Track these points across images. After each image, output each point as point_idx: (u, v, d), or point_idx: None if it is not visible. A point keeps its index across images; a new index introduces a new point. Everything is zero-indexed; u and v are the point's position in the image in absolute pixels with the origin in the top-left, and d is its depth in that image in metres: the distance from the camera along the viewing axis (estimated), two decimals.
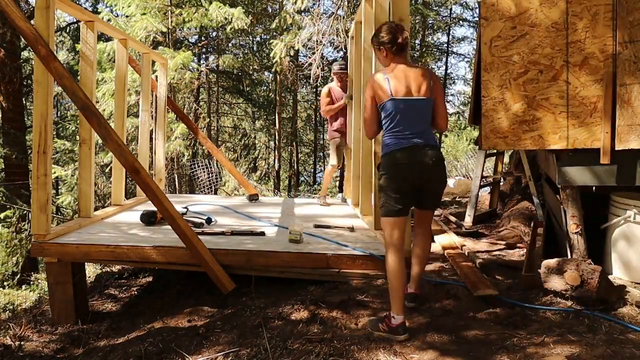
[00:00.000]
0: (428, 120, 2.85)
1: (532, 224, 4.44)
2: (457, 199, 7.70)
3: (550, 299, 2.96)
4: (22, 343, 3.56)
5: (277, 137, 16.02)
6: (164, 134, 6.75)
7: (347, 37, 7.99)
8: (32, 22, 3.70)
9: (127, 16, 9.89)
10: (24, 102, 11.65)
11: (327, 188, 6.85)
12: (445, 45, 20.33)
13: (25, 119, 11.49)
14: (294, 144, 18.56)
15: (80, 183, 4.62)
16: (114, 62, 7.66)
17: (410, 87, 2.78)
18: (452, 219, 5.71)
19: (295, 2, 9.83)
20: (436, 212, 6.13)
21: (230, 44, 16.45)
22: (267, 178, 18.65)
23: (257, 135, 19.90)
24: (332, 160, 6.08)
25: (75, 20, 13.31)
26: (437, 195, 2.94)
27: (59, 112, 16.04)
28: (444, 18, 18.95)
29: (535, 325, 2.68)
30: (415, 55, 17.83)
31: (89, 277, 5.36)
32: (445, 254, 3.98)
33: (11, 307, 6.12)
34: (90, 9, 13.89)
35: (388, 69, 2.85)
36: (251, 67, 15.90)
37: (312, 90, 19.35)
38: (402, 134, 2.78)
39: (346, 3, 10.12)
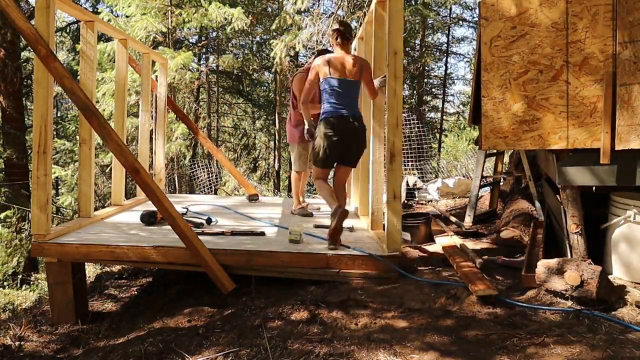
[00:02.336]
0: (353, 96, 3.88)
1: (532, 224, 4.45)
2: (457, 198, 7.70)
3: (550, 299, 2.96)
4: (22, 343, 3.56)
5: (277, 137, 16.02)
6: (164, 134, 6.75)
7: None
8: (32, 22, 3.70)
9: (127, 16, 9.90)
10: (24, 102, 11.64)
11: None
12: (445, 45, 20.34)
13: (25, 119, 11.48)
14: None
15: (80, 183, 4.62)
16: (114, 62, 7.67)
17: (344, 70, 3.80)
18: (452, 219, 5.71)
19: (295, 3, 9.83)
20: (436, 212, 6.13)
21: (230, 44, 16.46)
22: (267, 178, 18.66)
23: (257, 135, 19.90)
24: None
25: (75, 20, 13.31)
26: (356, 154, 4.02)
27: (59, 112, 16.03)
28: (443, 18, 18.95)
29: (535, 325, 2.67)
30: (415, 55, 17.84)
31: (89, 277, 5.36)
32: (446, 254, 3.97)
33: (11, 307, 6.11)
34: (90, 9, 13.90)
35: (329, 55, 3.91)
36: (251, 67, 15.89)
37: None
38: (334, 105, 3.80)
39: (346, 3, 10.12)
